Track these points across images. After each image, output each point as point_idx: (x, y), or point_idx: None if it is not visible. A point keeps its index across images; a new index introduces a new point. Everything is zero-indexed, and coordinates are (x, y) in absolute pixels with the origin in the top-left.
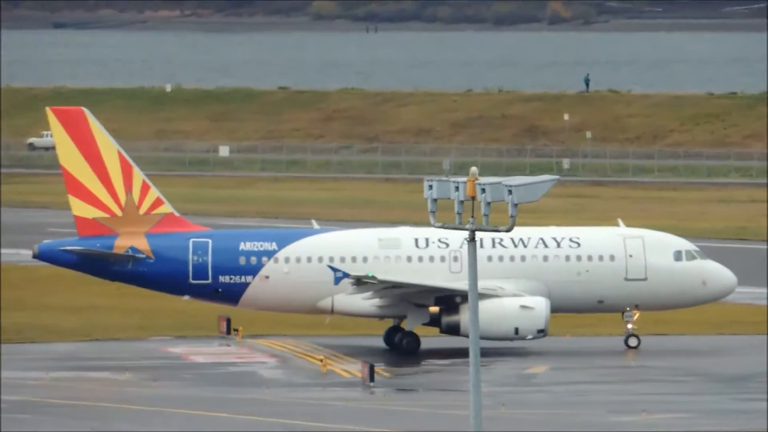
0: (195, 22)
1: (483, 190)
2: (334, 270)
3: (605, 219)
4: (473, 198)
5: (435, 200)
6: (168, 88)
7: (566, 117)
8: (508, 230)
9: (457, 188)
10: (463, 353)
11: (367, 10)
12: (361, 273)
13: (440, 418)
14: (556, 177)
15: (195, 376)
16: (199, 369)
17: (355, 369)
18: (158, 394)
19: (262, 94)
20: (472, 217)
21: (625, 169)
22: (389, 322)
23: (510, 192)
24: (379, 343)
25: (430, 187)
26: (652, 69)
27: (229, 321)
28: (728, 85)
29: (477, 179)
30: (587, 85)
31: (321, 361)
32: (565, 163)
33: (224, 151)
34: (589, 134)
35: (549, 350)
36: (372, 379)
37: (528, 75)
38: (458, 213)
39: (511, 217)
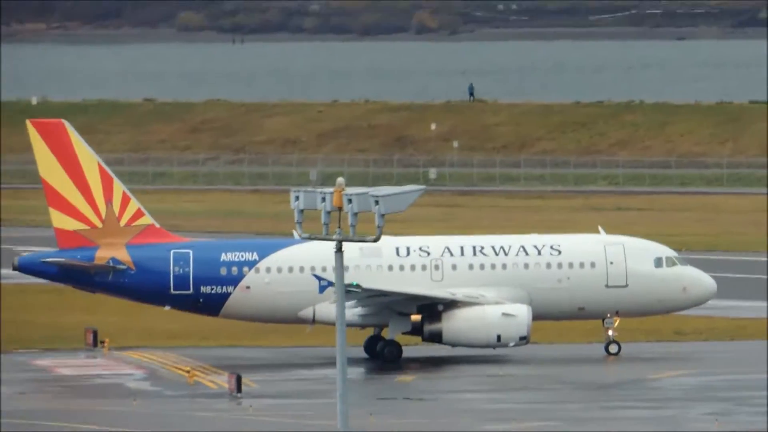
0: (62, 35)
1: (350, 201)
2: (319, 279)
3: (474, 228)
4: (340, 208)
5: (302, 211)
6: (34, 101)
7: (433, 126)
8: (375, 240)
9: (323, 199)
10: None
11: (233, 22)
12: (347, 281)
13: (308, 428)
14: (423, 187)
15: (63, 388)
16: (67, 381)
17: (222, 380)
18: (27, 407)
19: (128, 106)
20: (339, 227)
21: (492, 177)
22: (368, 332)
23: (377, 202)
24: (252, 353)
25: (297, 197)
26: (519, 78)
27: (95, 333)
28: (595, 94)
29: (344, 190)
30: (471, 93)
31: (188, 372)
32: (432, 172)
33: None
34: (456, 143)
35: (419, 359)
36: (239, 389)
37: (394, 85)
38: (325, 224)
39: (378, 227)
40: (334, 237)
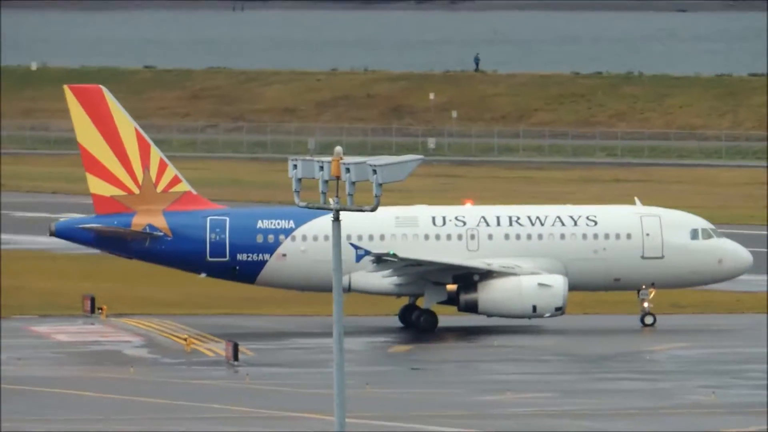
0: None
1: (348, 170)
2: (356, 248)
3: (473, 198)
4: (338, 178)
5: (299, 180)
6: (33, 66)
7: (432, 96)
8: (373, 210)
9: (321, 168)
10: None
11: None
12: (382, 251)
13: (303, 397)
14: (421, 157)
15: (60, 354)
16: (64, 348)
17: (220, 348)
18: (24, 373)
19: (128, 73)
20: (337, 196)
21: (490, 148)
22: (403, 301)
23: (375, 172)
24: (250, 322)
25: (295, 166)
26: (518, 48)
27: (93, 300)
28: (594, 65)
29: (342, 159)
30: (477, 64)
31: (185, 340)
32: (431, 142)
33: None
34: (454, 114)
35: (413, 331)
36: (236, 358)
37: (394, 54)
38: (323, 192)
39: (376, 197)
40: (332, 206)
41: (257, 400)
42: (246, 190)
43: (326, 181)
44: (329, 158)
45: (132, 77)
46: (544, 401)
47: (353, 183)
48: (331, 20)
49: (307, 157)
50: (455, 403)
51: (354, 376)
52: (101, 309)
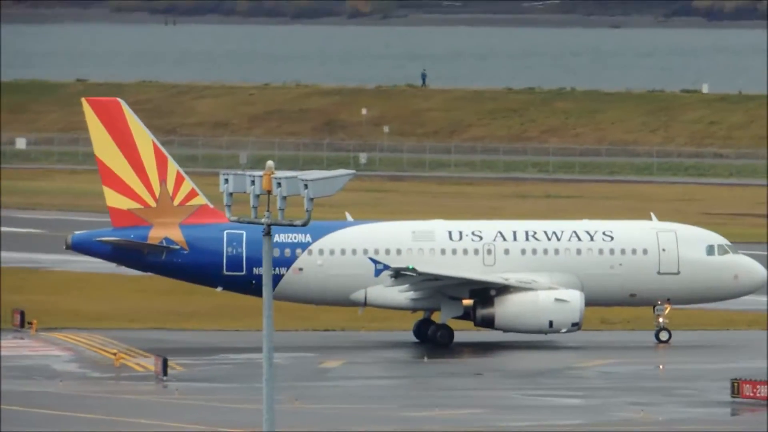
0: None
1: (279, 184)
2: (375, 262)
3: (404, 213)
4: (269, 192)
5: (231, 194)
6: None
7: (364, 111)
8: (304, 224)
9: (253, 182)
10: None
11: (166, 3)
12: (402, 265)
13: (233, 412)
14: (353, 171)
15: None
16: None
17: (149, 363)
18: None
19: (60, 86)
20: (268, 210)
21: (422, 163)
22: (418, 315)
23: (306, 186)
24: (179, 336)
25: (226, 180)
26: (451, 64)
27: (23, 314)
28: (526, 81)
29: (273, 173)
30: (424, 79)
31: (114, 354)
32: (362, 157)
33: (21, 143)
34: (386, 128)
35: (343, 345)
36: (165, 373)
37: (326, 69)
38: (254, 207)
39: (307, 211)
40: (263, 221)
41: (186, 415)
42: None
43: (257, 196)
44: (261, 172)
45: (63, 90)
46: (472, 417)
47: (284, 197)
48: (264, 34)
49: (239, 171)
50: (384, 419)
51: (283, 391)
52: (31, 323)
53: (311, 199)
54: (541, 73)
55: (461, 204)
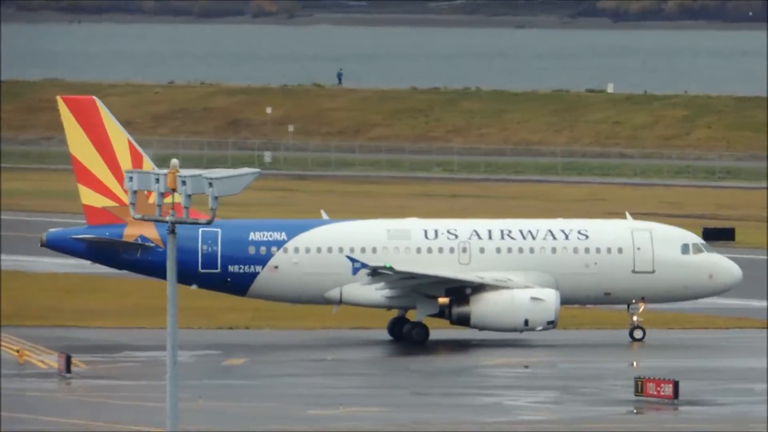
0: None
1: (184, 183)
2: (353, 260)
3: (309, 212)
4: (174, 190)
5: (135, 192)
6: None
7: (269, 110)
8: (208, 223)
9: (157, 180)
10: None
11: (72, 2)
12: (379, 263)
13: (136, 409)
14: (257, 170)
15: None
16: None
17: (52, 360)
18: None
19: None
20: (172, 209)
21: (327, 162)
22: (392, 314)
23: (211, 185)
24: (83, 334)
25: (131, 178)
26: (358, 63)
27: None
28: (432, 81)
29: (178, 171)
30: (340, 79)
31: (18, 351)
32: (267, 156)
33: None
34: (291, 128)
35: (247, 344)
36: (69, 370)
37: (231, 68)
38: (158, 205)
39: (212, 209)
40: (167, 219)
41: (90, 412)
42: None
43: (162, 194)
44: (165, 171)
45: None
46: (377, 415)
47: (189, 196)
48: (169, 33)
49: (144, 170)
50: (288, 418)
51: (187, 390)
52: None
53: (216, 198)
54: (447, 73)
55: (367, 203)
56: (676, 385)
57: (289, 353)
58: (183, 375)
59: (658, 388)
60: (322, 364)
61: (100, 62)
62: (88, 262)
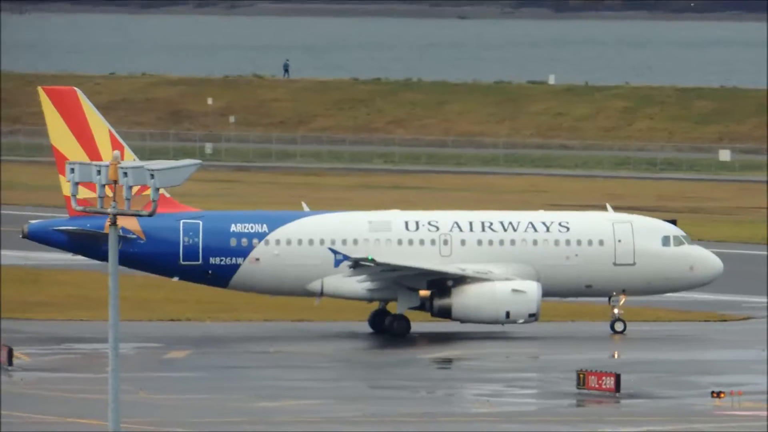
0: None
1: (125, 174)
2: (335, 252)
3: (252, 204)
4: (115, 182)
5: (77, 183)
6: None
7: (210, 101)
8: (150, 214)
9: (99, 172)
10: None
11: None
12: (361, 256)
13: (78, 402)
14: (199, 162)
15: None
16: None
17: None
18: None
19: None
20: (114, 200)
21: (268, 154)
22: (373, 306)
23: (152, 176)
24: (25, 326)
25: (72, 170)
26: (299, 54)
27: None
28: (373, 72)
29: (119, 163)
30: (286, 70)
31: None
32: (208, 147)
33: None
34: (232, 119)
35: (190, 337)
36: (10, 362)
37: (173, 59)
38: (100, 197)
39: (153, 201)
40: (109, 210)
41: (31, 405)
42: (25, 193)
43: (103, 186)
44: (107, 162)
45: None
46: (321, 408)
47: (131, 187)
48: (110, 23)
49: (85, 162)
50: (232, 410)
51: (129, 382)
52: None
53: (158, 189)
54: (388, 64)
55: (309, 194)
56: (617, 378)
57: (232, 346)
58: (125, 367)
59: (600, 381)
60: (266, 356)
61: (41, 53)
62: (22, 253)
